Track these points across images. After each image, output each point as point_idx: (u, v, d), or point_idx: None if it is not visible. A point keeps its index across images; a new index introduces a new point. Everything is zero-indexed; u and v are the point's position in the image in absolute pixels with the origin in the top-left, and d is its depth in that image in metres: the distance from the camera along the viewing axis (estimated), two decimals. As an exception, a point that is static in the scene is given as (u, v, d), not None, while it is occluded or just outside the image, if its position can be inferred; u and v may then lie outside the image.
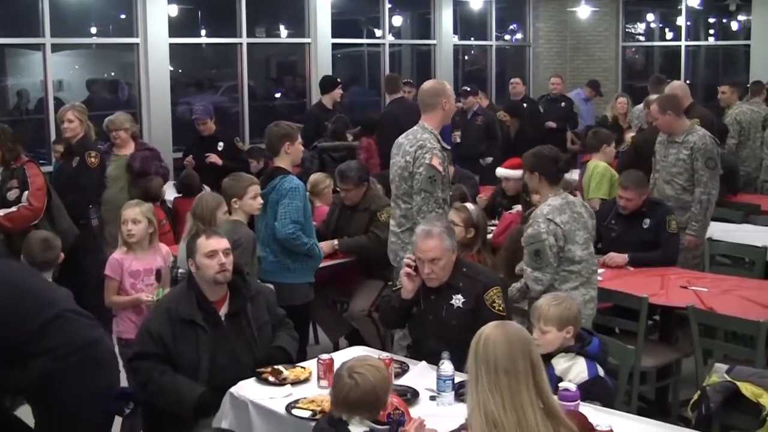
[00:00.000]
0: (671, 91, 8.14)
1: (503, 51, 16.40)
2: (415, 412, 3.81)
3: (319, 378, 4.36)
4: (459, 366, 4.07)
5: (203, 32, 12.75)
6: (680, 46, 16.07)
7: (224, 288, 4.66)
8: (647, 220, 6.56)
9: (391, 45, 14.13)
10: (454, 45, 14.75)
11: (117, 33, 11.36)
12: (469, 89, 11.08)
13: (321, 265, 6.37)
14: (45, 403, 3.88)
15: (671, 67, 15.88)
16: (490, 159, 10.39)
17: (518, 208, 7.14)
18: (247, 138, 11.68)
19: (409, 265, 4.81)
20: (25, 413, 4.10)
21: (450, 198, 6.10)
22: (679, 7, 15.91)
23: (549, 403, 2.93)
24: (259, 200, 5.88)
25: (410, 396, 4.16)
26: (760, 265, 6.64)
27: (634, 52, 17.25)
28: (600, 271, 6.23)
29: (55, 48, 10.17)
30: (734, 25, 16.76)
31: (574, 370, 4.18)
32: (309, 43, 12.51)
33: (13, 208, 6.43)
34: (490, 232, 7.23)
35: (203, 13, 13.01)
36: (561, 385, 3.78)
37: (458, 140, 10.54)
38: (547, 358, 4.19)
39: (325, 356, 4.42)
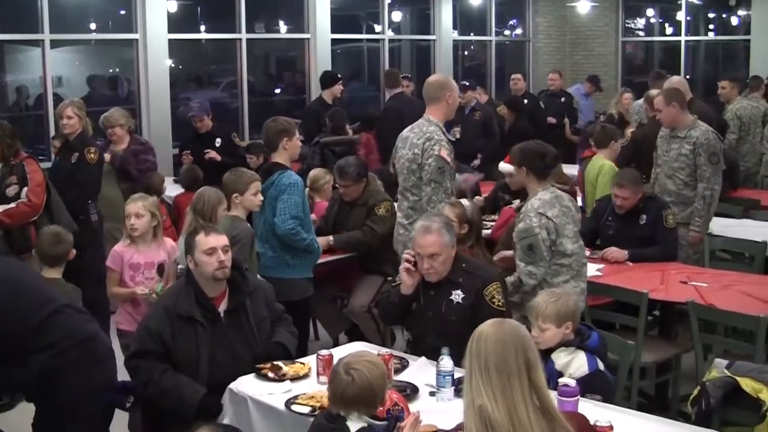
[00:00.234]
0: (670, 86, 8.12)
1: (503, 46, 16.40)
2: (414, 407, 3.81)
3: (318, 374, 4.37)
4: (458, 362, 4.07)
5: (202, 28, 12.74)
6: (680, 41, 16.06)
7: (223, 284, 4.65)
8: (644, 216, 6.55)
9: (391, 40, 14.12)
10: (454, 40, 14.74)
11: (116, 29, 11.35)
12: (467, 84, 11.07)
13: (321, 260, 6.37)
14: (45, 400, 3.89)
15: (671, 62, 15.87)
16: (477, 162, 10.38)
17: (518, 202, 7.13)
18: (246, 134, 11.69)
19: (408, 261, 4.81)
20: (25, 412, 4.10)
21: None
22: (678, 2, 15.90)
23: (545, 402, 2.90)
24: (260, 197, 5.87)
25: (410, 392, 4.16)
26: (760, 261, 6.63)
27: (634, 47, 17.23)
28: (600, 266, 6.27)
29: (54, 44, 10.15)
30: (734, 20, 16.74)
31: (575, 364, 4.19)
32: (308, 39, 12.50)
33: (12, 205, 6.41)
34: (489, 228, 7.25)
35: (202, 9, 13.00)
36: (561, 380, 3.77)
37: (458, 136, 10.52)
38: (547, 352, 4.20)
39: (324, 352, 4.42)
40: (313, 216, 6.98)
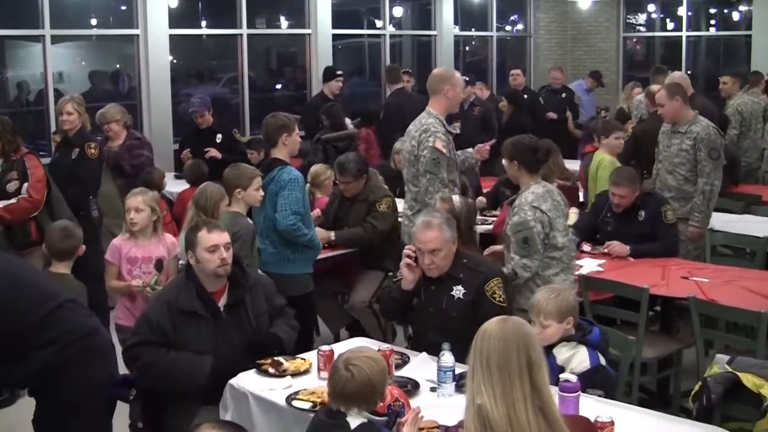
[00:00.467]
0: (671, 81, 8.12)
1: (504, 42, 16.37)
2: (415, 403, 3.81)
3: (319, 369, 4.37)
4: (459, 357, 4.07)
5: (203, 23, 12.72)
6: (681, 36, 16.03)
7: (223, 279, 4.66)
8: (642, 213, 6.53)
9: (392, 36, 14.11)
10: (455, 36, 14.71)
11: (117, 24, 11.33)
12: (467, 79, 11.04)
13: (321, 256, 6.38)
14: (47, 395, 3.89)
15: (672, 58, 15.85)
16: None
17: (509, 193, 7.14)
18: (247, 129, 11.68)
19: (409, 256, 4.81)
20: (25, 408, 4.10)
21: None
22: (679, -2, 15.90)
23: (546, 404, 2.87)
24: (261, 192, 5.88)
25: (411, 387, 4.16)
26: (761, 256, 6.63)
27: (635, 43, 17.21)
28: (600, 262, 6.26)
29: (55, 39, 10.15)
30: (735, 16, 16.71)
31: (576, 358, 4.19)
32: (309, 34, 12.49)
33: (13, 200, 6.41)
34: (490, 223, 7.25)
35: (203, 4, 12.98)
36: (562, 376, 3.78)
37: (458, 131, 10.50)
38: (549, 348, 4.20)
39: (325, 348, 4.42)
40: (317, 212, 6.99)
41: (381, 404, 3.53)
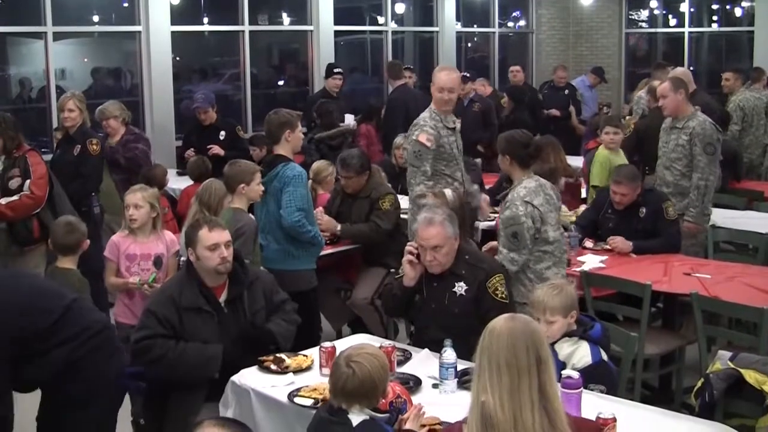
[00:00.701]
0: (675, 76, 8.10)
1: (506, 38, 16.35)
2: (417, 400, 3.81)
3: (321, 366, 4.36)
4: (461, 353, 4.07)
5: (205, 20, 12.71)
6: (683, 32, 16.02)
7: (224, 275, 4.67)
8: (643, 209, 6.52)
9: (394, 32, 14.10)
10: (457, 32, 14.70)
11: (119, 21, 11.32)
12: (467, 75, 11.04)
13: (324, 252, 6.37)
14: (60, 392, 3.89)
15: (674, 54, 15.83)
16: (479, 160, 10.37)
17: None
18: (249, 126, 11.69)
19: (411, 253, 4.80)
20: (25, 406, 4.10)
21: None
22: (681, -7, 15.88)
23: (552, 408, 2.82)
24: (262, 187, 5.89)
25: (413, 384, 4.16)
26: (763, 252, 6.63)
27: (638, 39, 17.19)
28: (603, 258, 6.26)
29: (57, 36, 10.15)
30: (738, 12, 16.67)
31: (578, 354, 4.18)
32: (311, 31, 12.48)
33: (15, 197, 6.41)
34: (493, 219, 7.23)
35: (205, 1, 12.97)
36: (564, 372, 3.76)
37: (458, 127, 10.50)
38: (551, 344, 4.19)
39: (327, 344, 4.42)
40: (319, 209, 6.99)
41: (383, 401, 3.52)
